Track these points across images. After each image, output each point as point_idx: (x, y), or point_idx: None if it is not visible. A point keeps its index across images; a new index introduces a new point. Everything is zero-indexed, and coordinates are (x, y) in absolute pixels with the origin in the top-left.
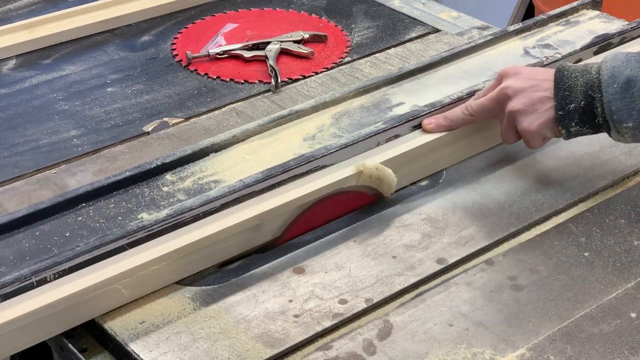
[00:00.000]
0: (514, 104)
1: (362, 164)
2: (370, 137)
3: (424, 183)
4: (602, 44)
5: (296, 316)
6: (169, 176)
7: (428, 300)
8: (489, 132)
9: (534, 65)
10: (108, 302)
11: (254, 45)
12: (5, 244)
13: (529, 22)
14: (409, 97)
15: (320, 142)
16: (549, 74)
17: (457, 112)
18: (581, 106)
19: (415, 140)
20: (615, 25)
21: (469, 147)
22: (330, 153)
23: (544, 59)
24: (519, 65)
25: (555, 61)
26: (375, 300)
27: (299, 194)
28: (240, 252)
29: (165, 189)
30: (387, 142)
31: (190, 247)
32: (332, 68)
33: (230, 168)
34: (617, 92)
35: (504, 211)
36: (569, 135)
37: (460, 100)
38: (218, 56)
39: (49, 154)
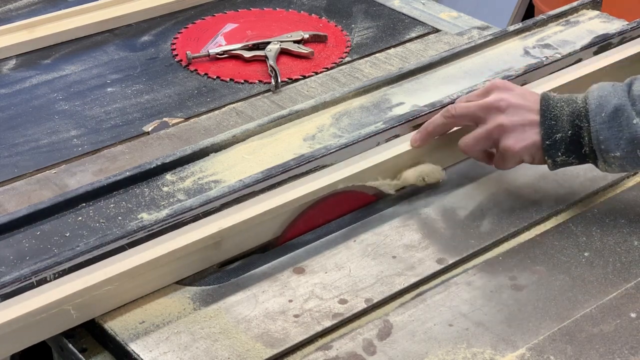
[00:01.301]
0: (504, 119)
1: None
2: (370, 137)
3: (424, 183)
4: (602, 44)
5: (296, 316)
6: (169, 176)
7: (428, 300)
8: None
9: (534, 65)
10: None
11: (254, 45)
12: (5, 244)
13: (529, 22)
14: (409, 97)
15: (320, 142)
16: (537, 97)
17: (437, 117)
18: (568, 136)
19: None
20: (615, 25)
21: None
22: (330, 153)
23: (544, 59)
24: (507, 81)
25: (556, 61)
26: (375, 300)
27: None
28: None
29: (165, 189)
30: (387, 142)
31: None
32: (332, 68)
33: (230, 168)
34: (605, 122)
35: (504, 211)
36: (555, 165)
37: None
38: (218, 56)
39: (49, 154)
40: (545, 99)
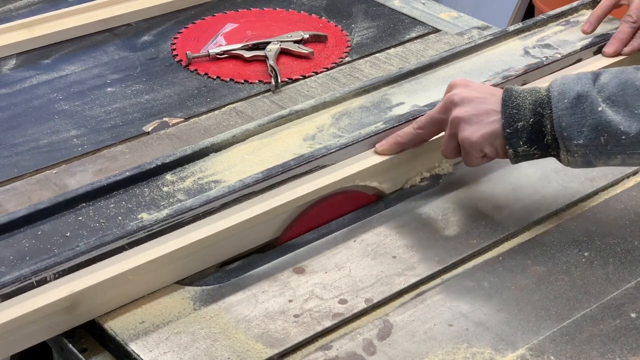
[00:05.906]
0: (458, 111)
1: None
2: (370, 137)
3: (424, 183)
4: (602, 44)
5: (296, 316)
6: (169, 176)
7: (428, 300)
8: None
9: (534, 65)
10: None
11: (254, 45)
12: (5, 244)
13: (529, 22)
14: (409, 97)
15: (320, 142)
16: (498, 91)
17: (408, 128)
18: (530, 124)
19: None
20: (615, 25)
21: None
22: (330, 153)
23: (544, 59)
24: (466, 79)
25: (556, 61)
26: (375, 300)
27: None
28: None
29: (165, 189)
30: None
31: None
32: (332, 68)
33: (230, 168)
34: (567, 108)
35: (504, 211)
36: (517, 157)
37: None
38: (218, 56)
39: (49, 154)
40: (507, 90)
